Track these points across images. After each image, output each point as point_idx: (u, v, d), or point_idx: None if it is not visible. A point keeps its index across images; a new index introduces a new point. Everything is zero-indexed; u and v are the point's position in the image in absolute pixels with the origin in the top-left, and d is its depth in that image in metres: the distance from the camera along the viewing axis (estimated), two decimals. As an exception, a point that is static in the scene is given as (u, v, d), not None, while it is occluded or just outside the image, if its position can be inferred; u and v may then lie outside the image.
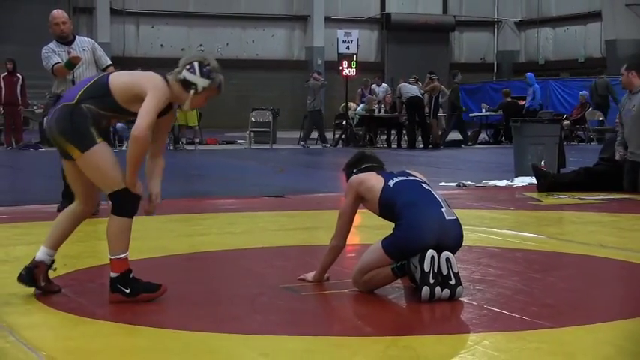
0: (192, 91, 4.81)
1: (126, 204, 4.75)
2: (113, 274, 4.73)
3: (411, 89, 22.25)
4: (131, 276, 4.75)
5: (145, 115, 4.61)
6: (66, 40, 8.86)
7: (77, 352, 3.87)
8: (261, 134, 23.17)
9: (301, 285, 5.24)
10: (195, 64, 4.87)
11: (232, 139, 24.60)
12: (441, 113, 25.28)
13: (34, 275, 4.89)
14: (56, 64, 8.66)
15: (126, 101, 4.73)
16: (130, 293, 4.70)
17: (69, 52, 8.69)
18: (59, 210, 8.88)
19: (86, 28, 29.26)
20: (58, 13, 9.10)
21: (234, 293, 5.26)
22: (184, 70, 4.85)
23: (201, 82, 4.85)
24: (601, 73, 30.90)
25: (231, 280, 5.87)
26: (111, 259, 4.76)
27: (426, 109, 22.75)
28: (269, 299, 4.97)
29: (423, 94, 22.64)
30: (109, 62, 9.12)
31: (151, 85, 4.75)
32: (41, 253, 4.96)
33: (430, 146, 22.26)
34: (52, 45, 8.87)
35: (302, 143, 23.22)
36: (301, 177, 14.62)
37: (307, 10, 34.04)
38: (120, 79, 4.82)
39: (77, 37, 9.09)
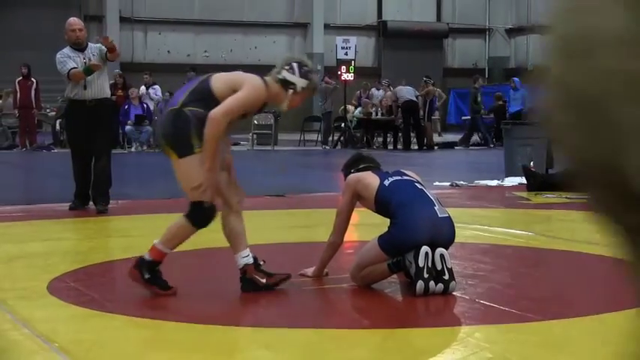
0: (290, 91, 4.79)
1: (200, 216, 4.70)
2: (146, 256, 4.71)
3: (407, 93, 22.30)
4: (157, 268, 4.72)
5: (228, 102, 4.58)
6: (80, 47, 8.86)
7: (87, 344, 3.87)
8: (264, 136, 23.21)
9: (302, 280, 5.24)
10: (295, 64, 4.86)
11: (235, 140, 24.56)
12: (435, 116, 25.33)
13: (250, 280, 4.84)
14: (72, 69, 8.64)
15: (224, 99, 4.68)
16: (147, 280, 4.67)
17: (89, 60, 8.69)
18: (71, 208, 8.90)
19: (96, 35, 29.21)
20: (75, 21, 9.13)
21: (237, 288, 5.25)
22: (283, 71, 4.82)
23: (300, 82, 4.83)
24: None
25: (234, 275, 5.86)
26: (155, 244, 4.73)
27: (421, 113, 22.84)
28: (271, 294, 4.97)
29: (417, 97, 22.66)
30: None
31: (248, 82, 4.73)
32: (239, 260, 4.90)
33: (424, 147, 22.30)
34: (67, 50, 8.87)
35: (324, 146, 23.36)
36: (301, 177, 14.61)
37: (307, 17, 34.08)
38: (220, 80, 4.77)
39: (89, 44, 9.10)
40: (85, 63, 8.73)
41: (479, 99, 24.12)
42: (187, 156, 4.60)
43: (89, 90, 8.75)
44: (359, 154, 5.54)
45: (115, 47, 8.82)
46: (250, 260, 4.85)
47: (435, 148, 23.03)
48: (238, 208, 4.92)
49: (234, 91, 4.65)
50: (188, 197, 4.73)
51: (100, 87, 8.89)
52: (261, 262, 4.90)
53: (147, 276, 4.67)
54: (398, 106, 22.55)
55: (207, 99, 4.63)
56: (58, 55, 8.85)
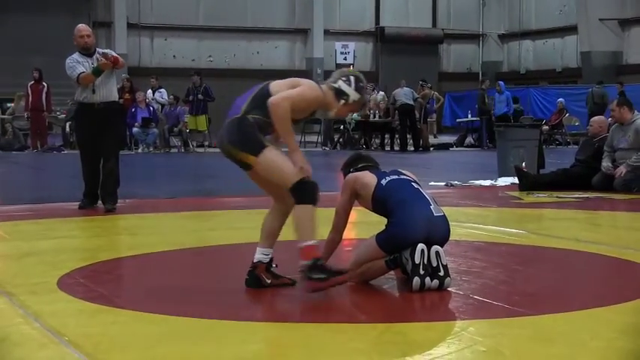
0: (342, 101, 4.77)
1: (307, 193, 4.59)
2: (305, 262, 4.56)
3: (404, 96, 22.32)
4: (320, 262, 4.59)
5: (286, 91, 4.59)
6: (88, 52, 8.86)
7: (96, 338, 3.87)
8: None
9: (302, 276, 5.24)
10: (352, 78, 4.84)
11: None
12: (432, 119, 25.34)
13: (256, 276, 4.82)
14: (81, 73, 8.66)
15: None
16: (325, 279, 4.52)
17: (99, 59, 8.67)
18: (80, 207, 8.90)
19: (105, 40, 29.23)
20: (83, 27, 9.12)
21: (239, 284, 5.25)
22: (340, 81, 4.80)
23: (353, 95, 4.81)
24: (576, 83, 31.02)
25: (237, 272, 5.85)
26: (301, 247, 4.59)
27: (417, 115, 22.88)
28: (272, 289, 4.96)
29: (416, 99, 22.68)
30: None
31: (305, 82, 4.75)
32: (258, 254, 4.86)
33: (420, 149, 22.31)
34: (76, 56, 8.87)
35: (324, 147, 23.31)
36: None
37: (308, 23, 34.08)
38: (278, 85, 4.72)
39: (97, 49, 9.09)
40: (98, 60, 8.73)
41: (487, 100, 24.10)
42: (262, 150, 4.57)
43: (97, 94, 8.76)
44: (358, 154, 5.52)
45: (118, 60, 8.81)
46: (266, 260, 4.84)
47: (431, 149, 23.04)
48: (289, 209, 4.85)
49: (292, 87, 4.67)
50: (285, 185, 4.62)
51: (108, 91, 8.89)
52: (274, 265, 4.89)
53: (322, 276, 4.52)
54: (395, 108, 22.60)
55: (267, 105, 4.60)
56: (68, 61, 8.85)
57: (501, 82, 24.70)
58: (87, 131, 9.08)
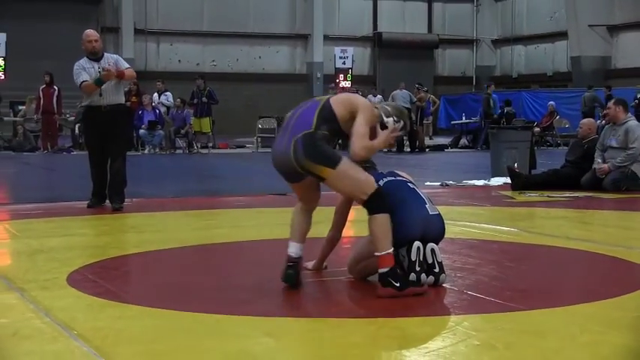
0: (379, 129, 4.74)
1: (382, 201, 4.54)
2: (383, 270, 4.47)
3: (401, 99, 22.40)
4: (398, 271, 4.52)
5: (360, 135, 4.54)
6: (96, 57, 8.86)
7: (104, 332, 3.87)
8: (267, 139, 23.15)
9: (303, 273, 5.24)
10: (402, 121, 4.84)
11: (241, 143, 24.61)
12: (428, 121, 25.35)
13: (298, 272, 4.77)
14: (84, 81, 8.68)
15: (344, 121, 4.61)
16: (400, 287, 4.44)
17: (103, 69, 8.68)
18: (89, 206, 8.90)
19: (112, 45, 29.26)
20: (91, 32, 9.12)
21: (243, 280, 5.26)
22: (391, 120, 4.78)
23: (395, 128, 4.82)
24: (567, 86, 31.04)
25: (240, 268, 5.87)
26: (380, 255, 4.49)
27: (413, 117, 22.92)
28: (274, 285, 4.96)
29: (414, 102, 22.74)
30: (128, 66, 9.13)
31: (362, 104, 4.66)
32: (297, 250, 4.79)
33: (416, 150, 22.31)
34: (83, 61, 8.88)
35: None
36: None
37: (308, 29, 34.11)
38: (339, 100, 4.68)
39: (105, 53, 9.11)
40: (100, 72, 8.73)
41: (491, 104, 24.09)
42: (339, 162, 4.50)
43: (104, 97, 8.78)
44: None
45: (123, 74, 8.83)
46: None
47: (427, 150, 23.05)
48: (314, 208, 4.90)
49: (350, 111, 4.59)
50: (359, 196, 4.56)
51: (115, 94, 8.92)
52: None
53: (398, 284, 4.45)
54: None
55: (332, 121, 4.58)
56: (75, 66, 8.88)
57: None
58: (94, 133, 9.12)
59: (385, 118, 4.77)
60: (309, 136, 4.54)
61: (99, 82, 8.65)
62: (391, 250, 4.54)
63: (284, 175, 4.78)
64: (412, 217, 4.76)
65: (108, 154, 8.95)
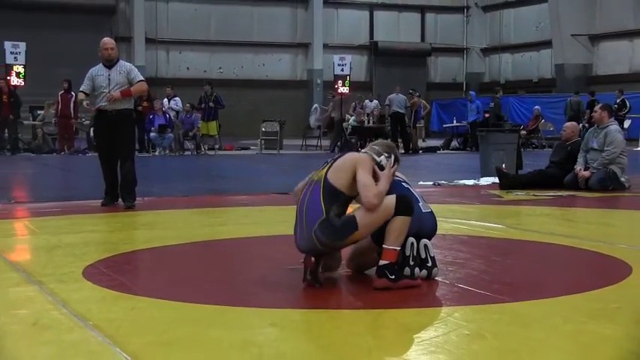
0: (378, 170, 4.72)
1: (408, 207, 4.56)
2: (383, 262, 4.50)
3: (397, 104, 22.46)
4: (395, 266, 4.55)
5: (367, 186, 4.52)
6: (111, 63, 8.93)
7: (117, 322, 3.87)
8: (270, 141, 23.23)
9: (304, 267, 5.25)
10: (394, 155, 4.87)
11: (246, 145, 24.61)
12: (420, 124, 25.36)
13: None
14: (80, 91, 9.07)
15: (347, 188, 4.58)
16: (394, 280, 4.48)
17: (108, 99, 8.80)
18: (103, 205, 8.91)
19: (125, 53, 29.20)
20: (108, 41, 9.21)
21: (247, 273, 5.26)
22: (383, 157, 4.78)
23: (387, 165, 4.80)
24: (551, 92, 31.05)
25: (245, 262, 5.87)
26: (387, 248, 4.51)
27: (407, 121, 22.99)
28: (277, 279, 4.98)
29: (407, 107, 22.78)
30: (140, 78, 9.10)
31: (355, 161, 4.65)
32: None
33: (410, 151, 22.32)
34: (96, 67, 9.00)
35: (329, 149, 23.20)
36: (303, 176, 14.61)
37: (308, 38, 34.12)
38: (335, 174, 4.63)
39: (120, 61, 9.12)
40: (110, 78, 8.83)
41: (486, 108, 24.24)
42: (357, 222, 4.49)
43: (108, 102, 8.85)
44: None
45: (129, 92, 8.91)
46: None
47: (420, 152, 23.06)
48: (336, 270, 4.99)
49: (349, 176, 4.58)
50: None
51: (121, 101, 8.93)
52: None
53: (392, 277, 4.49)
54: (389, 114, 22.75)
55: (338, 195, 4.56)
56: (89, 72, 9.06)
57: (472, 92, 24.64)
58: (102, 135, 9.24)
59: (378, 158, 4.76)
60: (325, 222, 4.51)
61: (80, 102, 9.24)
62: (398, 248, 4.56)
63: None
64: None
65: (116, 155, 9.00)
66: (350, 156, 4.81)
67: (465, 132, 25.19)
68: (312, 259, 4.63)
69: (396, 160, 4.88)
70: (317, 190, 4.62)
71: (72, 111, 21.45)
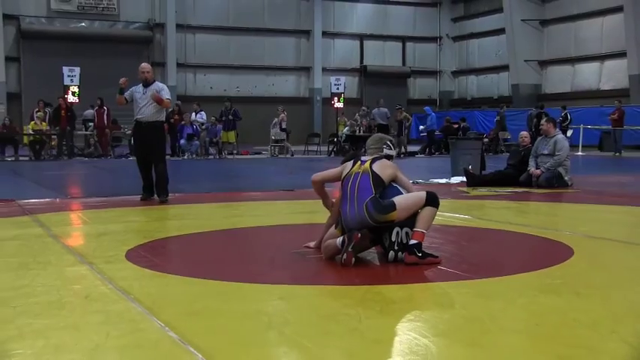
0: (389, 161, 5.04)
1: (435, 200, 4.80)
2: (414, 242, 4.64)
3: (379, 117, 22.49)
4: (422, 247, 4.69)
5: (410, 185, 5.06)
6: (147, 83, 9.01)
7: (154, 296, 3.88)
8: (278, 148, 23.25)
9: (306, 250, 5.25)
10: (389, 142, 5.25)
11: (259, 150, 24.61)
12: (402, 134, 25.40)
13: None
14: (119, 96, 9.12)
15: (387, 180, 4.90)
16: (422, 257, 4.62)
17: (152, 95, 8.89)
18: (141, 199, 8.91)
19: (160, 76, 29.15)
20: (145, 65, 9.32)
21: (259, 256, 5.26)
22: (385, 148, 5.13)
23: (394, 154, 5.22)
24: (508, 107, 31.13)
25: (257, 247, 5.87)
26: (418, 231, 4.66)
27: (392, 130, 22.97)
28: (283, 260, 4.97)
29: (389, 117, 22.83)
30: (167, 97, 9.07)
31: (395, 169, 4.99)
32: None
33: (401, 155, 22.33)
34: (137, 86, 9.05)
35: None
36: (305, 176, 14.60)
37: (310, 63, 34.16)
38: (380, 170, 4.88)
39: (155, 82, 9.15)
40: (145, 93, 8.91)
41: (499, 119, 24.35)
42: (396, 204, 4.70)
43: (143, 115, 8.94)
44: (354, 154, 5.54)
45: (161, 100, 8.89)
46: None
47: (402, 156, 23.00)
48: None
49: (393, 171, 4.94)
50: (422, 205, 4.77)
51: (150, 114, 8.96)
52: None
53: (420, 254, 4.62)
54: (375, 126, 22.73)
55: (381, 182, 4.82)
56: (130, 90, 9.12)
57: (427, 108, 24.52)
58: (138, 142, 9.35)
59: (385, 152, 5.12)
60: (374, 199, 4.73)
61: (120, 91, 9.06)
62: (426, 231, 4.72)
63: (352, 229, 4.77)
64: None
65: (151, 158, 9.04)
66: (387, 162, 5.03)
67: (440, 139, 25.15)
68: (359, 235, 4.64)
69: (392, 143, 5.28)
70: (366, 178, 4.83)
71: (105, 122, 21.83)
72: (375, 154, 5.08)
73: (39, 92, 24.51)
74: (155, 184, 9.02)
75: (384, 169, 4.88)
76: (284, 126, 23.36)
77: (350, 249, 4.62)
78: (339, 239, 4.75)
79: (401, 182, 4.95)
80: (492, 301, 3.77)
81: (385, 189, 4.83)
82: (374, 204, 4.69)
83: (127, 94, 9.09)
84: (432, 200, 4.77)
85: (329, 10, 34.80)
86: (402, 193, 4.89)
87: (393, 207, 4.67)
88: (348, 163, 5.07)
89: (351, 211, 4.77)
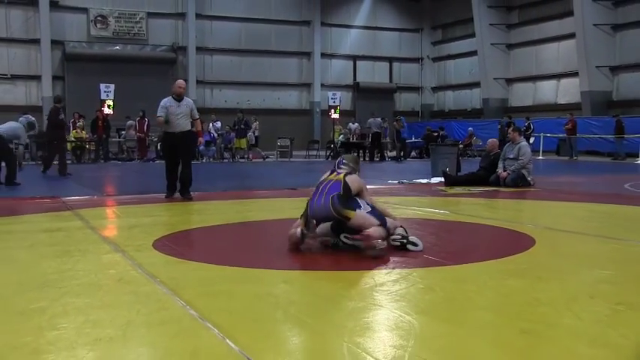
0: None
1: (385, 227, 4.74)
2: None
3: (374, 126, 22.40)
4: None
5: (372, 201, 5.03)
6: (180, 98, 8.81)
7: (177, 280, 3.88)
8: (284, 152, 23.22)
9: (306, 241, 5.25)
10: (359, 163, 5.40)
11: (267, 155, 24.60)
12: (385, 139, 25.37)
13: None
14: (159, 116, 8.70)
15: (354, 191, 4.87)
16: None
17: (184, 106, 8.74)
18: (166, 197, 8.88)
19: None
20: (182, 82, 9.06)
21: (267, 246, 5.26)
22: (357, 168, 5.18)
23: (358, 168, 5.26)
24: (480, 118, 31.14)
25: (265, 237, 5.87)
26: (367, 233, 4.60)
27: (388, 138, 22.94)
28: (288, 250, 4.96)
29: (382, 127, 22.73)
30: (197, 116, 9.03)
31: (362, 182, 5.00)
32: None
33: (399, 159, 22.36)
34: (167, 99, 8.79)
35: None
36: (305, 177, 14.61)
37: (310, 79, 34.13)
38: (351, 182, 4.88)
39: (185, 97, 8.99)
40: (179, 109, 8.71)
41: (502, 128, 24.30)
42: (358, 209, 4.71)
43: (177, 126, 8.79)
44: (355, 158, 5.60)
45: (200, 132, 9.06)
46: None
47: (387, 159, 22.96)
48: None
49: (360, 185, 4.94)
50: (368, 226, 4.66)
51: (183, 125, 8.83)
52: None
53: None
54: (370, 134, 22.57)
55: (350, 191, 4.81)
56: (161, 102, 8.83)
57: (402, 118, 24.32)
58: (170, 149, 9.05)
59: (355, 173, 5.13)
60: (339, 195, 4.75)
61: (166, 119, 8.68)
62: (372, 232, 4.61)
63: (319, 220, 4.88)
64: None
65: (179, 162, 8.94)
66: (357, 177, 5.04)
67: (422, 145, 25.14)
68: (314, 221, 4.70)
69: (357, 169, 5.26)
70: (338, 183, 4.85)
71: (145, 131, 21.60)
72: (348, 170, 5.04)
73: (80, 106, 24.52)
74: (180, 185, 8.97)
75: (353, 182, 4.90)
76: (257, 133, 23.46)
77: (307, 232, 4.73)
78: (298, 230, 4.77)
79: (364, 196, 4.93)
80: (466, 284, 3.78)
81: (350, 198, 4.79)
82: (339, 198, 4.74)
83: (162, 114, 8.72)
84: (383, 224, 4.73)
85: (327, 35, 34.79)
86: (361, 207, 4.86)
87: (353, 208, 4.71)
88: (327, 172, 5.11)
89: (318, 202, 4.81)
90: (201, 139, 9.42)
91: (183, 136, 8.84)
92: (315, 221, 4.74)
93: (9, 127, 11.95)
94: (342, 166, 5.10)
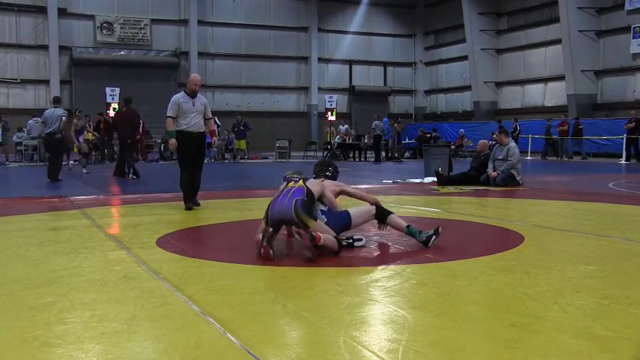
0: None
1: (338, 241, 4.57)
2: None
3: (379, 128, 22.23)
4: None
5: (332, 201, 4.93)
6: (193, 95, 7.65)
7: (179, 276, 3.88)
8: (282, 153, 23.22)
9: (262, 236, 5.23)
10: (332, 169, 5.33)
11: (265, 156, 24.59)
12: (384, 141, 25.40)
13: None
14: (168, 116, 7.56)
15: (316, 194, 4.85)
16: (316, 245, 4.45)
17: (199, 104, 7.70)
18: (188, 209, 7.71)
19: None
20: (197, 77, 7.84)
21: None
22: (327, 173, 5.23)
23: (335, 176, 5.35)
24: (471, 120, 31.19)
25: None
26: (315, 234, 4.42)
27: (390, 141, 22.88)
28: (285, 247, 4.95)
29: (383, 130, 22.66)
30: (210, 116, 7.93)
31: (323, 187, 4.92)
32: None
33: (395, 160, 22.32)
34: (180, 95, 7.65)
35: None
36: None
37: (308, 83, 34.14)
38: (311, 186, 4.84)
39: (198, 95, 7.90)
40: (194, 106, 7.63)
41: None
42: (316, 220, 4.61)
43: (194, 125, 7.67)
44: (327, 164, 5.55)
45: (214, 132, 8.05)
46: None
47: (382, 160, 22.92)
48: None
49: (322, 188, 4.91)
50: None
51: (200, 124, 7.79)
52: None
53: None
54: (373, 136, 22.21)
55: (312, 195, 4.75)
56: (172, 98, 7.66)
57: (386, 119, 24.26)
58: (188, 149, 7.74)
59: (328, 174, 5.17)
60: (303, 201, 4.58)
61: (170, 135, 7.54)
62: (322, 235, 4.43)
63: (275, 224, 4.62)
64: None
65: (195, 165, 7.86)
66: (317, 181, 5.01)
67: (415, 146, 25.16)
68: (271, 229, 4.53)
69: (336, 170, 5.25)
70: (301, 189, 4.74)
71: (141, 133, 21.66)
72: (302, 178, 4.94)
73: (87, 109, 24.48)
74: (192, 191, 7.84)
75: (314, 185, 4.83)
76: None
77: (265, 242, 4.43)
78: (260, 235, 4.59)
79: (326, 195, 4.84)
80: (458, 280, 3.78)
81: (312, 207, 4.66)
82: (302, 204, 4.54)
83: (172, 112, 7.56)
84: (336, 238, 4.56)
85: (323, 40, 34.80)
86: (325, 220, 4.79)
87: (313, 218, 4.55)
88: (284, 183, 4.94)
89: (280, 203, 4.59)
90: (215, 139, 8.24)
91: (200, 136, 7.74)
92: (271, 229, 4.49)
93: (52, 114, 12.15)
94: (295, 177, 4.90)
